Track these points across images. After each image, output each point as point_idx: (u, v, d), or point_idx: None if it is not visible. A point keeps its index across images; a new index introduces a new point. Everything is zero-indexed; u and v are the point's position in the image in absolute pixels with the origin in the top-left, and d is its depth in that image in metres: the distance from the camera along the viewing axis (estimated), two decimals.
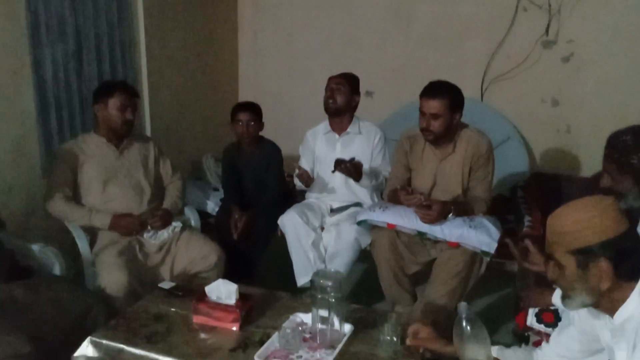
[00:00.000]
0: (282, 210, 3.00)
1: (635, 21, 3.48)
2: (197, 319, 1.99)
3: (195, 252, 2.67)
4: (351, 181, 2.97)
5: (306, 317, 1.97)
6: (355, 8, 4.19)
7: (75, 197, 2.63)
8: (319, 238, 2.93)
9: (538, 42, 3.71)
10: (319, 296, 1.86)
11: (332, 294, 1.85)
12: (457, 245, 2.52)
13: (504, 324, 2.72)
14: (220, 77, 4.47)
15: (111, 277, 2.37)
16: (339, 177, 3.02)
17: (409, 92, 3.16)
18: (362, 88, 3.18)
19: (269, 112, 3.32)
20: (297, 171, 3.04)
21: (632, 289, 1.24)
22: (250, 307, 2.03)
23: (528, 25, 3.71)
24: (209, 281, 2.14)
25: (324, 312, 1.86)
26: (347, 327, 1.91)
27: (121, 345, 1.84)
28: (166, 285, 2.28)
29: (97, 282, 2.44)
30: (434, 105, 2.53)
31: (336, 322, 1.87)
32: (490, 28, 3.81)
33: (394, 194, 2.75)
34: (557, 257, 1.30)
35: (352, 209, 3.03)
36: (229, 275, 2.33)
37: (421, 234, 2.59)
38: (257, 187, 3.22)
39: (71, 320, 2.01)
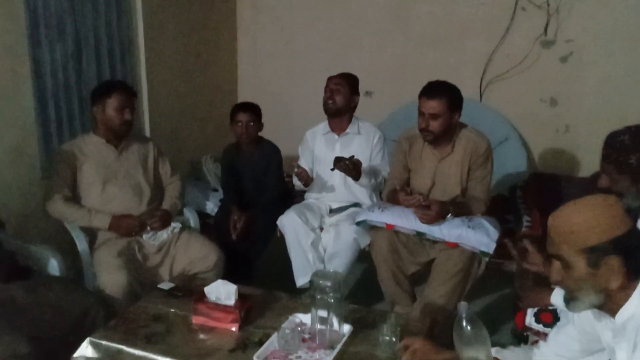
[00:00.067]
0: (281, 211, 3.00)
1: (634, 21, 3.48)
2: (196, 320, 1.99)
3: (195, 253, 2.68)
4: (350, 181, 2.97)
5: (305, 318, 1.97)
6: (354, 8, 4.19)
7: (74, 198, 2.63)
8: (318, 238, 2.94)
9: (537, 42, 3.71)
10: (318, 296, 1.86)
11: (331, 294, 1.85)
12: (455, 246, 2.53)
13: (503, 324, 2.72)
14: (220, 77, 4.46)
15: (110, 278, 2.38)
16: (338, 177, 3.03)
17: (408, 92, 3.16)
18: (362, 88, 3.18)
19: (268, 113, 3.32)
20: (296, 170, 3.04)
21: (634, 288, 1.24)
22: (250, 307, 2.04)
23: (527, 25, 3.71)
24: (208, 282, 2.14)
25: (323, 313, 1.85)
26: (346, 328, 1.91)
27: (120, 346, 1.85)
28: (165, 285, 2.28)
29: (96, 282, 2.45)
30: (433, 105, 2.53)
31: (335, 322, 1.87)
32: (489, 28, 3.81)
33: (393, 194, 2.75)
34: (566, 256, 1.27)
35: (351, 210, 3.03)
36: (228, 275, 2.33)
37: (420, 234, 2.59)
38: (257, 187, 3.23)
39: (70, 321, 2.01)
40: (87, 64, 3.21)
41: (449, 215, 2.55)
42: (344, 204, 3.09)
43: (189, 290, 2.22)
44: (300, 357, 1.80)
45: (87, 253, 2.56)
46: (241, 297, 2.01)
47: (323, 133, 3.17)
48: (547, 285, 1.93)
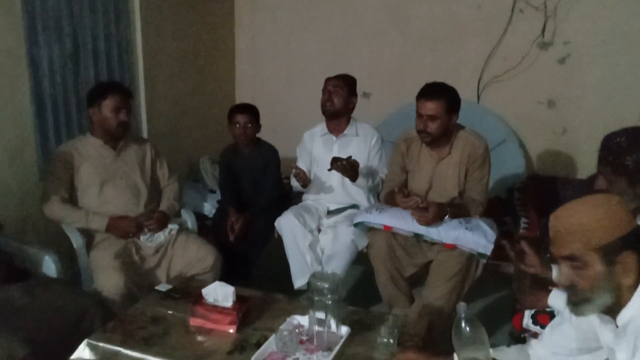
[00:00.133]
0: (279, 212, 3.00)
1: (632, 22, 3.49)
2: (194, 322, 1.99)
3: (192, 255, 2.67)
4: (348, 183, 2.97)
5: (303, 320, 1.97)
6: (352, 10, 4.20)
7: (72, 199, 2.62)
8: (315, 240, 2.94)
9: (534, 44, 3.72)
10: (316, 298, 1.86)
11: (329, 296, 1.85)
12: (453, 247, 2.53)
13: (500, 325, 2.72)
14: (218, 78, 4.47)
15: (108, 280, 2.37)
16: (335, 178, 3.03)
17: (406, 93, 3.16)
18: (359, 89, 3.18)
19: (266, 114, 3.32)
20: (294, 170, 3.04)
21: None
22: (247, 309, 2.03)
23: (524, 26, 3.72)
24: (205, 283, 2.14)
25: (320, 315, 1.85)
26: (344, 330, 1.91)
27: (118, 348, 1.84)
28: (163, 287, 2.28)
29: (93, 284, 2.45)
30: (431, 107, 2.53)
31: (333, 324, 1.87)
32: (487, 30, 3.82)
33: (390, 196, 2.76)
34: (581, 255, 1.24)
35: (349, 211, 3.03)
36: (226, 277, 2.33)
37: (418, 236, 2.60)
38: (255, 189, 3.23)
39: (68, 323, 2.00)
40: (84, 65, 3.21)
41: (447, 216, 2.56)
42: (341, 206, 3.09)
43: (187, 292, 2.22)
44: (297, 359, 1.80)
45: (84, 255, 2.55)
46: (239, 298, 2.01)
47: (321, 134, 3.17)
48: (544, 287, 1.93)
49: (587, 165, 3.66)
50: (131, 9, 3.52)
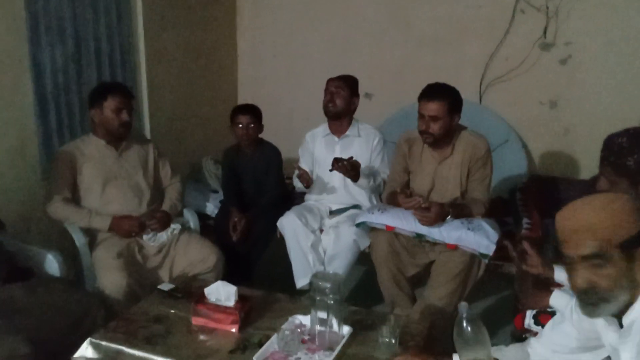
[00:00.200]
0: (281, 212, 3.01)
1: (634, 23, 3.49)
2: (196, 321, 2.00)
3: (194, 254, 2.68)
4: (350, 183, 2.98)
5: (305, 319, 1.97)
6: (354, 10, 4.20)
7: (74, 199, 2.63)
8: (318, 240, 2.94)
9: (536, 45, 3.72)
10: (318, 298, 1.86)
11: (331, 295, 1.86)
12: (455, 248, 2.53)
13: (502, 326, 2.72)
14: (220, 79, 4.47)
15: (110, 279, 2.38)
16: (337, 178, 3.03)
17: (408, 94, 3.17)
18: (361, 90, 3.19)
19: (269, 114, 3.32)
20: (297, 171, 3.04)
21: None
22: (249, 309, 2.04)
23: (526, 27, 3.72)
24: (208, 283, 2.15)
25: (322, 314, 1.86)
26: (346, 329, 1.92)
27: (120, 347, 1.85)
28: (165, 287, 2.28)
29: (96, 283, 2.45)
30: (433, 107, 2.54)
31: (335, 324, 1.88)
32: (488, 30, 3.82)
33: (392, 196, 2.76)
34: (603, 252, 1.22)
35: (351, 211, 3.03)
36: (228, 277, 2.34)
37: (419, 236, 2.60)
38: (257, 189, 3.23)
39: (70, 322, 2.01)
40: (87, 65, 3.21)
41: (449, 217, 2.56)
42: (343, 206, 3.09)
43: (189, 291, 2.22)
44: (299, 358, 1.81)
45: (87, 254, 2.56)
46: (241, 298, 2.02)
47: (323, 135, 3.18)
48: (546, 287, 1.93)
49: (589, 165, 3.66)
50: (133, 10, 3.53)
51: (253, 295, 2.15)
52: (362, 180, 2.91)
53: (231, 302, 1.99)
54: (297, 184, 3.18)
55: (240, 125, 3.12)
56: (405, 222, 2.59)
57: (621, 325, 1.28)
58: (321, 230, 3.01)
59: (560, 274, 1.92)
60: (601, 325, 1.36)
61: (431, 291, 2.59)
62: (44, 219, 2.69)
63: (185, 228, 2.86)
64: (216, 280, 2.15)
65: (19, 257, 2.39)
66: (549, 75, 3.76)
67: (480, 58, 3.87)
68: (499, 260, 2.65)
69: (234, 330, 1.95)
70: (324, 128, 3.19)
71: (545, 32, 3.67)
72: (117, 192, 2.66)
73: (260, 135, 3.24)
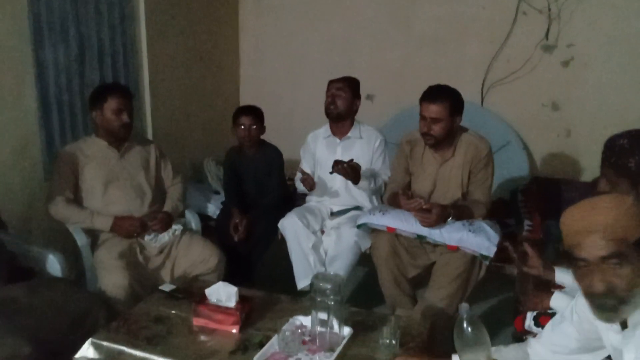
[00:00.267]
0: (282, 214, 3.01)
1: (636, 25, 3.49)
2: (197, 322, 2.00)
3: (196, 255, 2.68)
4: (351, 184, 2.98)
5: (305, 320, 1.97)
6: (356, 12, 4.20)
7: (76, 200, 2.64)
8: (319, 241, 2.94)
9: (538, 46, 3.72)
10: (318, 299, 1.86)
11: (332, 297, 1.85)
12: (456, 249, 2.53)
13: (503, 327, 2.71)
14: (222, 80, 4.48)
15: (112, 279, 2.39)
16: (339, 180, 3.03)
17: (409, 95, 3.17)
18: (363, 91, 3.19)
19: (270, 116, 3.33)
20: (299, 175, 3.04)
21: None
22: (250, 309, 2.04)
23: (528, 29, 3.72)
24: (209, 284, 2.15)
25: (323, 315, 1.86)
26: (346, 330, 1.92)
27: (121, 347, 1.86)
28: (166, 287, 2.29)
29: (97, 284, 2.46)
30: (435, 109, 2.54)
31: (335, 325, 1.88)
32: (491, 32, 3.83)
33: (394, 197, 2.76)
34: (622, 252, 1.20)
35: (352, 212, 3.03)
36: (229, 278, 2.34)
37: (421, 238, 2.60)
38: (258, 190, 3.24)
39: (71, 322, 2.01)
40: (90, 66, 3.22)
41: (450, 218, 2.56)
42: (345, 207, 3.09)
43: (190, 292, 2.22)
44: (300, 359, 1.81)
45: (88, 254, 2.57)
46: (242, 299, 2.02)
47: (324, 136, 3.18)
48: (547, 289, 1.93)
49: (590, 167, 3.66)
50: (136, 11, 3.54)
51: (254, 296, 2.15)
52: (362, 183, 2.91)
53: (232, 303, 1.99)
54: (300, 187, 3.18)
55: (243, 127, 3.13)
56: (406, 223, 2.59)
57: (622, 327, 1.28)
58: (322, 232, 3.01)
59: (561, 276, 1.92)
60: (602, 326, 1.36)
61: (432, 292, 2.59)
62: (46, 219, 2.69)
63: (186, 229, 2.87)
64: (217, 281, 2.16)
65: (21, 257, 2.40)
66: (550, 77, 3.76)
67: (482, 59, 3.87)
68: (500, 261, 2.65)
69: (234, 331, 1.95)
70: (325, 129, 3.19)
71: (547, 34, 3.68)
72: (119, 193, 2.67)
73: (262, 136, 3.24)
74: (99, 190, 2.64)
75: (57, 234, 2.71)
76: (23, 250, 2.44)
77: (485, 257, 2.51)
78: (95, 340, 1.88)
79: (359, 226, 2.77)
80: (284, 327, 1.89)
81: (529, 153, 3.86)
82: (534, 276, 2.00)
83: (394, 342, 1.83)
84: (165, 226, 2.72)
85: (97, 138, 2.70)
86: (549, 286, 1.96)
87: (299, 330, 1.90)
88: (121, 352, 1.85)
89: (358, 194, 3.09)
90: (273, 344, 1.85)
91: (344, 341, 1.87)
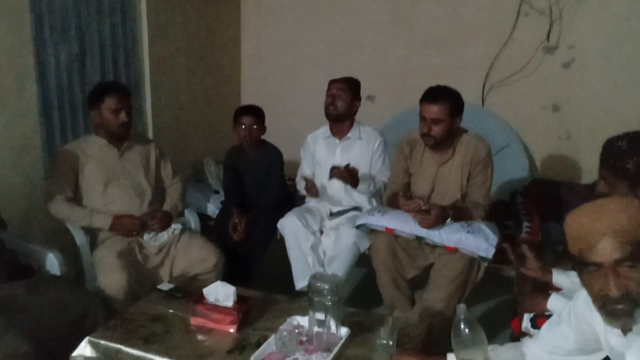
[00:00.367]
0: (281, 214, 3.01)
1: (637, 27, 3.48)
2: (194, 321, 2.00)
3: (195, 255, 2.69)
4: (350, 187, 2.98)
5: (303, 320, 1.97)
6: (357, 12, 4.21)
7: (76, 198, 2.64)
8: (318, 242, 2.94)
9: (539, 48, 3.72)
10: (316, 299, 1.87)
11: (329, 297, 1.86)
12: (454, 250, 2.53)
13: (501, 329, 2.71)
14: (223, 80, 4.49)
15: (110, 278, 2.39)
16: (337, 182, 3.03)
17: (409, 96, 3.17)
18: (363, 92, 3.18)
19: (271, 115, 3.33)
20: (302, 182, 3.05)
21: None
22: (248, 309, 2.04)
23: (529, 30, 3.72)
24: (208, 283, 2.15)
25: (320, 315, 1.86)
26: (344, 331, 1.92)
27: (119, 346, 1.86)
28: (165, 286, 2.29)
29: (96, 282, 2.46)
30: (435, 110, 2.54)
31: (332, 325, 1.88)
32: (492, 33, 3.82)
33: (393, 198, 2.76)
34: (635, 254, 1.18)
35: (351, 213, 3.03)
36: (228, 277, 2.34)
37: (419, 239, 2.60)
38: (258, 190, 3.24)
39: (70, 321, 2.02)
40: (91, 66, 3.23)
41: (449, 219, 2.56)
42: (344, 208, 3.09)
43: (188, 291, 2.23)
44: (297, 359, 1.81)
45: (87, 253, 2.57)
46: (240, 298, 2.02)
47: (324, 137, 3.18)
48: (544, 291, 1.93)
49: (591, 170, 3.64)
50: (137, 11, 3.55)
51: (252, 296, 2.15)
52: (361, 186, 2.92)
53: (230, 303, 1.99)
54: (300, 189, 3.18)
55: (243, 126, 3.13)
56: (405, 224, 2.59)
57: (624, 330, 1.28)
58: (321, 232, 3.02)
59: (558, 278, 1.92)
60: (601, 329, 1.36)
61: (430, 294, 2.59)
62: (46, 218, 2.70)
63: (186, 228, 2.87)
64: (216, 280, 2.16)
65: (21, 256, 2.40)
66: (551, 79, 3.76)
67: (483, 61, 3.87)
68: (498, 263, 2.64)
69: (232, 330, 1.95)
70: (325, 130, 3.19)
71: (548, 35, 3.67)
72: (119, 191, 2.67)
73: (262, 137, 3.24)
74: (98, 189, 2.65)
75: (57, 232, 2.71)
76: (23, 248, 2.45)
77: (483, 259, 2.51)
78: (92, 339, 1.89)
79: (357, 227, 2.77)
80: (282, 327, 1.89)
81: (529, 155, 3.85)
82: (531, 278, 2.00)
83: (391, 342, 1.83)
84: (165, 225, 2.72)
85: (97, 137, 2.71)
86: (547, 288, 1.96)
87: (297, 330, 1.90)
88: (118, 351, 1.85)
89: (357, 195, 3.08)
90: (270, 344, 1.85)
91: (341, 341, 1.87)
